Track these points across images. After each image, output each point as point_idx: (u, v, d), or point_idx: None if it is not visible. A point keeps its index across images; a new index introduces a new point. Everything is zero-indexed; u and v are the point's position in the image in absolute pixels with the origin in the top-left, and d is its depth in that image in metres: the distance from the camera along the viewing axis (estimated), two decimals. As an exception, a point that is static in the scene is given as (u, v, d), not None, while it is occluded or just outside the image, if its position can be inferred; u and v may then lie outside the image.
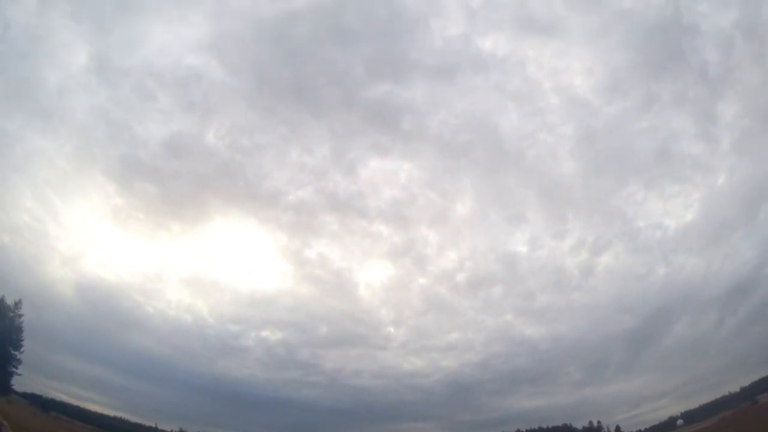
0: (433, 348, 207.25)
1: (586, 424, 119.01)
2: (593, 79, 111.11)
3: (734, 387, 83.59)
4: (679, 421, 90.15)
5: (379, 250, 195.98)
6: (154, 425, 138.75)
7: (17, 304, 63.18)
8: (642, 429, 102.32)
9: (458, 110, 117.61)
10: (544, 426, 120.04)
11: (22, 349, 64.73)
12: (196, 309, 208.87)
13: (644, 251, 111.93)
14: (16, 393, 74.40)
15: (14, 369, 65.43)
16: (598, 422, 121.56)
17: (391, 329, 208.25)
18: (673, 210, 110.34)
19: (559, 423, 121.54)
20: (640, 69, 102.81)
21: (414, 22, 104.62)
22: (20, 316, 63.79)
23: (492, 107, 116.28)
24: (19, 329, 63.37)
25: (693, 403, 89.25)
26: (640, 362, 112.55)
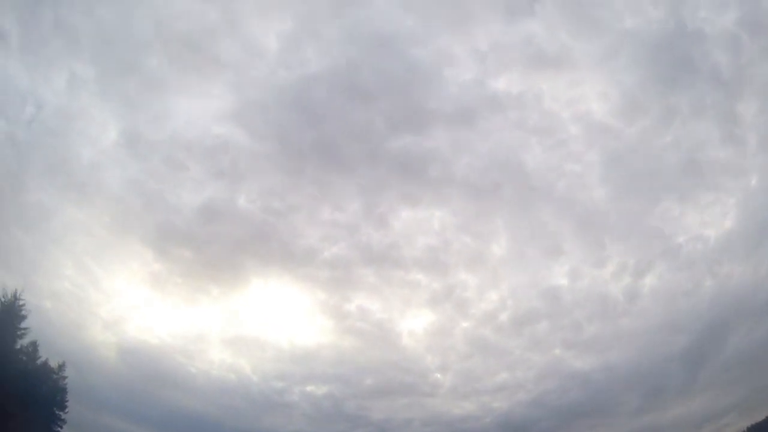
0: (483, 390, 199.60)
1: None
2: (610, 103, 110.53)
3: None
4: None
5: (419, 298, 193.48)
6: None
7: (61, 366, 64.51)
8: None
9: (482, 152, 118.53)
10: None
11: (66, 410, 65.79)
12: (239, 367, 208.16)
13: (688, 266, 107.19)
14: (61, 454, 75.10)
15: (59, 429, 66.50)
16: None
17: (438, 375, 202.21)
18: (710, 220, 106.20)
19: None
20: (654, 84, 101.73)
21: (428, 73, 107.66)
22: (64, 378, 65.01)
23: (515, 144, 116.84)
24: (63, 390, 64.49)
25: (759, 415, 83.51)
26: (699, 381, 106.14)
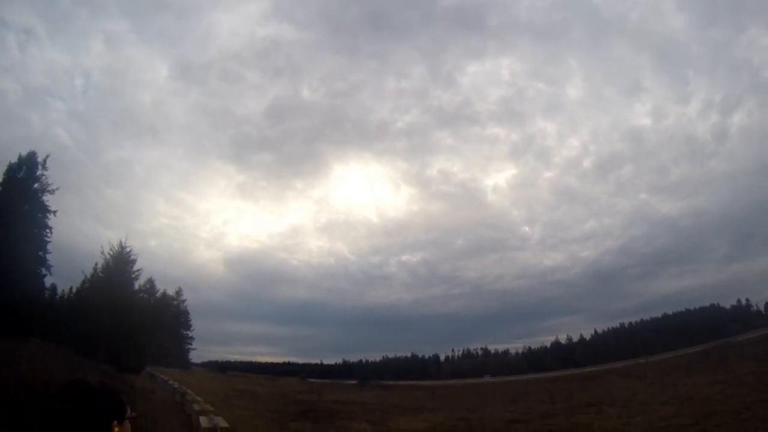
0: (571, 240, 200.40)
1: (734, 302, 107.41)
2: None
3: None
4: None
5: (499, 153, 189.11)
6: (319, 362, 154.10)
7: (178, 292, 70.54)
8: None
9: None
10: (691, 308, 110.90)
11: (192, 328, 73.06)
12: (336, 250, 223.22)
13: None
14: (195, 365, 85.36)
15: (189, 346, 74.46)
16: (747, 300, 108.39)
17: (526, 228, 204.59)
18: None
19: (706, 304, 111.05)
20: None
21: None
22: (183, 301, 71.25)
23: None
24: (185, 312, 71.12)
25: None
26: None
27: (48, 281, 35.07)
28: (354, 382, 78.61)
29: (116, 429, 1.93)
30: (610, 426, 12.48)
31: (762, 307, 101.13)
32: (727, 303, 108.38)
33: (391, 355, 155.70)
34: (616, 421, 13.10)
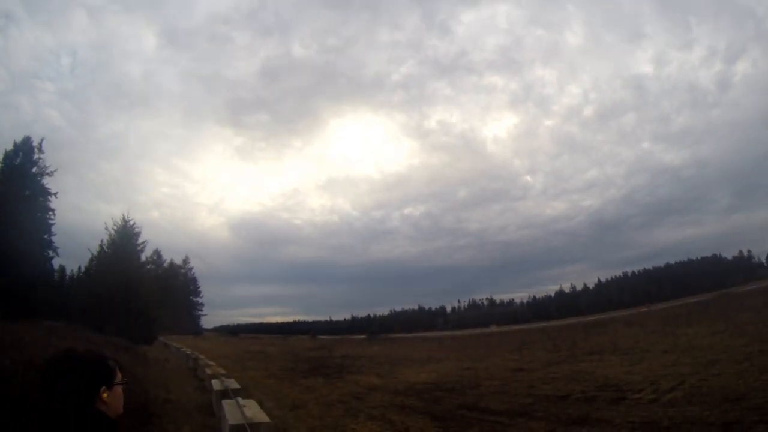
0: (573, 189, 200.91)
1: (736, 253, 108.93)
2: None
3: None
4: None
5: (498, 102, 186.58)
6: (328, 318, 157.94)
7: (185, 261, 71.41)
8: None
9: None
10: (693, 258, 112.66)
11: (201, 295, 74.42)
12: (339, 207, 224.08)
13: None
14: (207, 330, 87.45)
15: (200, 312, 76.06)
16: (749, 251, 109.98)
17: (528, 178, 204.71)
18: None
19: (708, 254, 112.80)
20: None
21: None
22: (190, 269, 72.23)
23: None
24: (193, 280, 72.28)
25: None
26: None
27: (56, 263, 35.48)
28: (363, 336, 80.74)
29: (105, 395, 1.88)
30: (611, 373, 12.81)
31: (764, 259, 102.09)
32: (729, 254, 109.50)
33: (398, 309, 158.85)
34: (618, 369, 13.44)
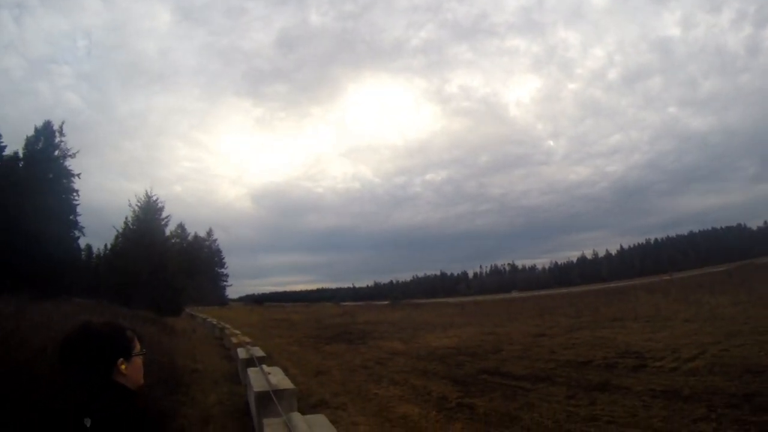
0: (597, 154, 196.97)
1: (760, 224, 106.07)
2: None
3: None
4: None
5: (520, 65, 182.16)
6: (351, 285, 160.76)
7: (209, 233, 72.76)
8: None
9: None
10: (717, 227, 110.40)
11: (225, 266, 76.10)
12: (361, 175, 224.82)
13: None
14: (232, 300, 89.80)
15: (225, 283, 77.93)
16: None
17: (551, 143, 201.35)
18: None
19: (732, 224, 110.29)
20: None
21: None
22: (214, 241, 73.68)
23: None
24: (218, 251, 73.77)
25: None
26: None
27: (82, 242, 36.55)
28: (386, 302, 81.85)
29: (123, 366, 1.82)
30: (633, 340, 12.68)
31: None
32: (754, 224, 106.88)
33: (420, 275, 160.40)
34: (639, 336, 13.30)
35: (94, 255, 44.61)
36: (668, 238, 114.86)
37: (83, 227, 31.89)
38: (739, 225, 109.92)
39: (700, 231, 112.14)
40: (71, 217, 30.66)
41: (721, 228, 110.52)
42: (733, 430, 5.39)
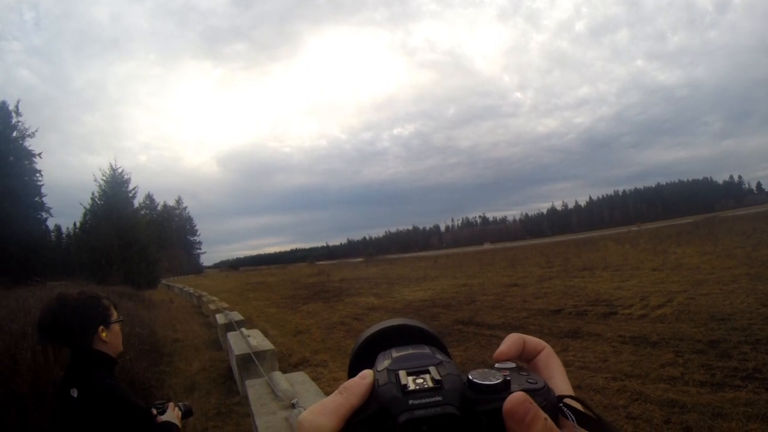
0: (564, 106, 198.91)
1: (726, 178, 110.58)
2: None
3: None
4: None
5: (486, 15, 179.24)
6: (325, 244, 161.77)
7: (178, 201, 71.10)
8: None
9: None
10: (684, 180, 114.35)
11: (198, 233, 75.02)
12: (327, 132, 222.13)
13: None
14: (208, 268, 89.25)
15: (199, 250, 77.13)
16: (739, 177, 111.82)
17: (518, 94, 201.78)
18: None
19: (699, 177, 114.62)
20: None
21: None
22: (184, 209, 72.11)
23: None
24: (189, 219, 72.47)
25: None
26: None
27: (51, 223, 35.45)
28: (360, 259, 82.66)
29: (104, 334, 1.87)
30: (603, 289, 13.32)
31: (754, 186, 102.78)
32: (720, 178, 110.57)
33: (393, 230, 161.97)
34: (609, 285, 13.96)
35: (63, 235, 43.39)
36: (636, 190, 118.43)
37: (50, 207, 31.00)
38: (706, 179, 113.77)
39: (667, 183, 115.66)
40: (36, 199, 29.68)
41: (688, 181, 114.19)
42: (700, 375, 5.76)
